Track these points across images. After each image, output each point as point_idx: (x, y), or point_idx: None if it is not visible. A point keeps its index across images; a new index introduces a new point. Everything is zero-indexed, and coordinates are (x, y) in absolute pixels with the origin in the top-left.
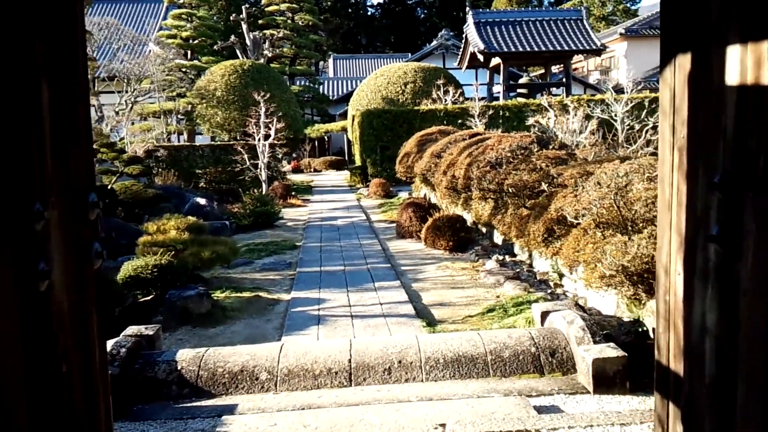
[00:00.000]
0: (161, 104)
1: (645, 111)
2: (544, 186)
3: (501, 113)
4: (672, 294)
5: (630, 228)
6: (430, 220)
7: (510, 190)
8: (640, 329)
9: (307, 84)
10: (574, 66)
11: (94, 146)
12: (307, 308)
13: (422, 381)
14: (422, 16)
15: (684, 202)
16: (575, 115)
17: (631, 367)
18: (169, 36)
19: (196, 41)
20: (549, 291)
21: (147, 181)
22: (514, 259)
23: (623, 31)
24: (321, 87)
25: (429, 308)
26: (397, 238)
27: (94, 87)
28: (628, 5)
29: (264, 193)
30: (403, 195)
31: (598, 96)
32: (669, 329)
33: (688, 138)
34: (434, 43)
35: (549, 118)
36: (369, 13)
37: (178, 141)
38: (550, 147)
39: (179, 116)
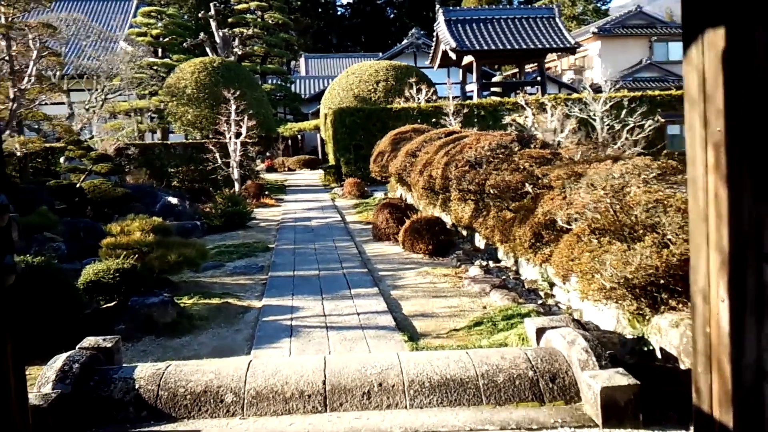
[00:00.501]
0: (131, 102)
1: (624, 110)
2: (528, 187)
3: (476, 112)
4: (714, 325)
5: (629, 235)
6: (407, 223)
7: (492, 191)
8: (645, 348)
9: (278, 83)
10: (547, 65)
11: (62, 143)
12: (280, 317)
13: (406, 408)
14: (392, 15)
15: (725, 212)
16: (553, 114)
17: (641, 396)
18: (139, 34)
19: (167, 39)
20: (540, 302)
21: (118, 180)
22: (498, 264)
23: (596, 30)
24: (293, 86)
25: (410, 319)
26: (374, 240)
27: (63, 83)
28: (599, 5)
29: (237, 192)
30: (379, 195)
31: (576, 95)
32: (711, 369)
33: (727, 131)
34: (405, 42)
35: (526, 117)
36: (339, 13)
37: (152, 139)
38: (532, 146)
39: (152, 114)
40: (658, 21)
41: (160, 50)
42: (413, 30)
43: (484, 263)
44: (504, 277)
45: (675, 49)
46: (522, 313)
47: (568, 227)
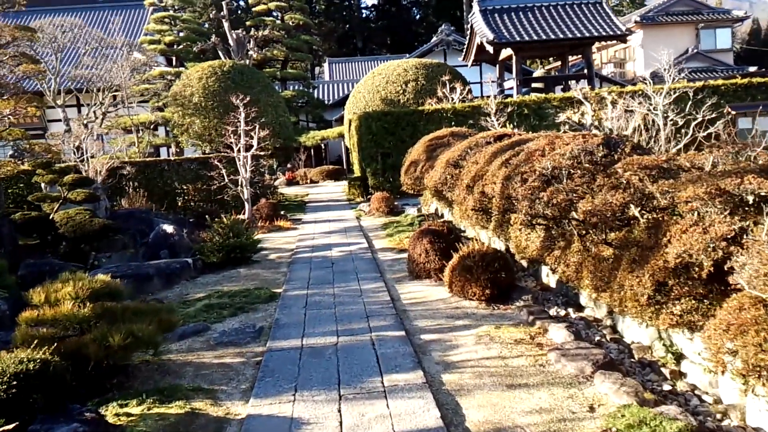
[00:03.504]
0: (133, 117)
1: (689, 103)
2: (633, 211)
3: (518, 111)
4: None
5: None
6: (455, 258)
7: (586, 218)
8: None
9: (300, 89)
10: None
11: (27, 166)
12: None
13: None
14: (418, 16)
15: None
16: (614, 108)
17: None
18: (151, 42)
19: (181, 47)
20: (670, 387)
21: (108, 206)
22: (582, 314)
23: (638, 19)
24: (316, 91)
25: None
26: (410, 278)
27: (59, 97)
28: None
29: (247, 214)
30: (411, 211)
31: (630, 87)
32: None
33: None
34: (434, 39)
35: (585, 114)
36: (363, 15)
37: (168, 155)
38: (620, 151)
39: (167, 128)
40: (704, 6)
41: (174, 59)
42: (443, 26)
43: (561, 311)
44: (598, 338)
45: (723, 36)
46: None
47: (710, 274)
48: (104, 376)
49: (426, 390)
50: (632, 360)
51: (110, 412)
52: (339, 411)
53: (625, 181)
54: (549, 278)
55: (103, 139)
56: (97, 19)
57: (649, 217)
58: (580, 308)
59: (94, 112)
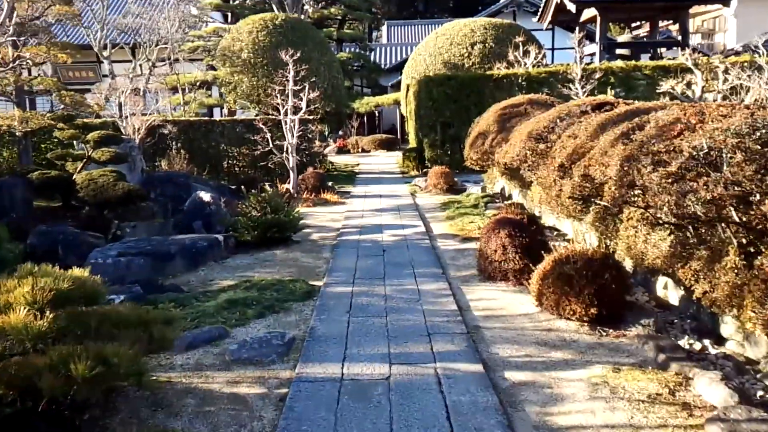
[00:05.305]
0: (179, 75)
1: None
2: None
3: (603, 79)
4: None
5: None
6: (548, 261)
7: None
8: None
9: (356, 51)
10: (662, 26)
11: (48, 120)
12: None
13: None
14: None
15: None
16: (725, 80)
17: None
18: None
19: (237, 1)
20: None
21: (145, 167)
22: (723, 350)
23: None
24: (372, 55)
25: None
26: (481, 278)
27: (104, 51)
28: None
29: (291, 184)
30: (474, 190)
31: (732, 58)
32: None
33: None
34: None
35: (693, 83)
36: None
37: (221, 116)
38: None
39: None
40: None
41: (230, 14)
42: None
43: (695, 343)
44: (760, 393)
45: None
46: None
47: None
48: (72, 409)
49: None
50: None
51: None
52: None
53: None
54: (668, 292)
55: (150, 97)
56: None
57: None
58: (720, 340)
59: (140, 66)
